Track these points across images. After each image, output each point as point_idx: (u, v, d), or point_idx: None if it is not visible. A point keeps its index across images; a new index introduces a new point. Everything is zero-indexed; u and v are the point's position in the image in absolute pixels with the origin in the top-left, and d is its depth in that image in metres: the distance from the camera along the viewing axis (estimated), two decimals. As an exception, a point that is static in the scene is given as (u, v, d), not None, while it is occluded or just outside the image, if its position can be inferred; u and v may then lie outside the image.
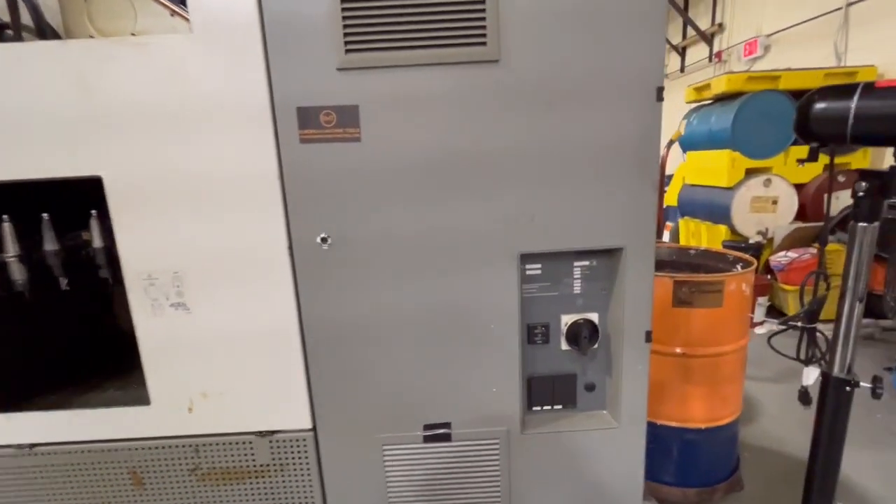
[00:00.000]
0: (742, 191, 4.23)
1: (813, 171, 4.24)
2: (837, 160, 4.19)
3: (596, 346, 1.19)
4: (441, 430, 1.20)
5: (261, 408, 1.18)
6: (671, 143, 3.54)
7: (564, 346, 1.19)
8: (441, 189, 1.06)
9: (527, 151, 1.05)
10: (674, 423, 1.88)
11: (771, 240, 4.23)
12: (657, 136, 1.06)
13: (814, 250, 3.90)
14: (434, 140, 1.04)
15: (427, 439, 1.20)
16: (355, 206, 1.07)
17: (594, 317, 1.19)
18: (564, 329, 1.18)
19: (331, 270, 1.10)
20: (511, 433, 1.21)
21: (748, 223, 4.31)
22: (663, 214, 5.14)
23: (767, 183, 4.20)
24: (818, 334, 1.28)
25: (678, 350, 1.81)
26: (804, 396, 1.45)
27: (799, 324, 1.25)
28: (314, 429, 1.20)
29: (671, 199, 5.50)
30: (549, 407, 1.26)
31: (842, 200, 4.09)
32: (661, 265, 2.21)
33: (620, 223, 1.09)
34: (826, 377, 1.17)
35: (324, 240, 1.08)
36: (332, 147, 1.04)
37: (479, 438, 1.21)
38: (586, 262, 1.17)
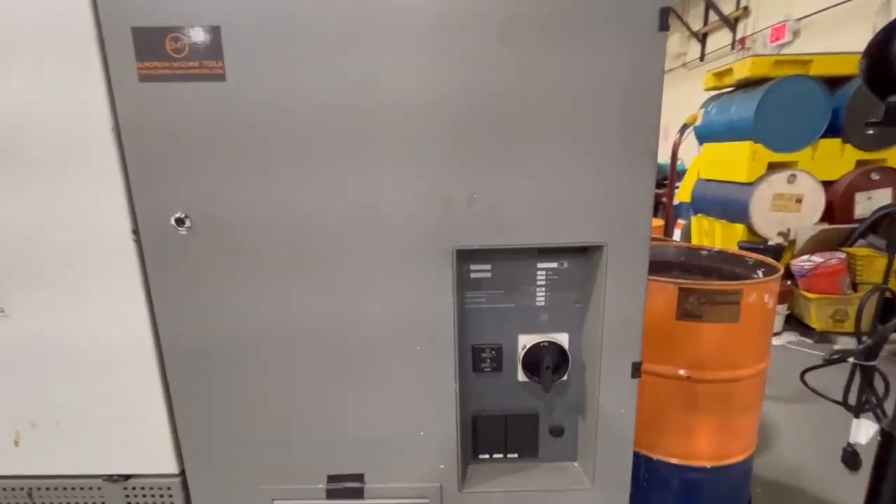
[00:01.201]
0: (763, 187, 3.83)
1: (843, 167, 3.83)
2: (870, 156, 3.78)
3: (565, 377, 0.87)
4: (350, 484, 0.89)
5: (110, 444, 0.88)
6: (685, 127, 3.17)
7: (522, 376, 0.88)
8: (344, 154, 0.75)
9: (468, 103, 0.73)
10: (674, 460, 1.55)
11: (793, 242, 3.84)
12: (657, 85, 0.73)
13: (842, 255, 3.51)
14: (332, 83, 0.72)
15: (331, 494, 0.89)
16: (224, 174, 0.76)
17: (563, 339, 0.87)
18: (522, 353, 0.86)
19: (194, 265, 0.79)
20: (446, 491, 0.90)
21: (768, 223, 3.92)
22: (674, 211, 4.76)
23: (792, 179, 3.80)
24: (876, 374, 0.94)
25: (682, 372, 1.48)
26: (851, 458, 1.11)
27: (851, 359, 0.92)
28: (183, 474, 0.90)
29: (684, 195, 5.10)
30: (500, 456, 0.95)
31: (875, 201, 3.69)
32: (665, 267, 1.87)
33: (602, 209, 0.77)
34: (889, 437, 0.84)
35: (180, 221, 0.77)
36: (185, 88, 0.72)
37: (401, 496, 0.90)
38: (553, 264, 0.85)
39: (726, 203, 4.24)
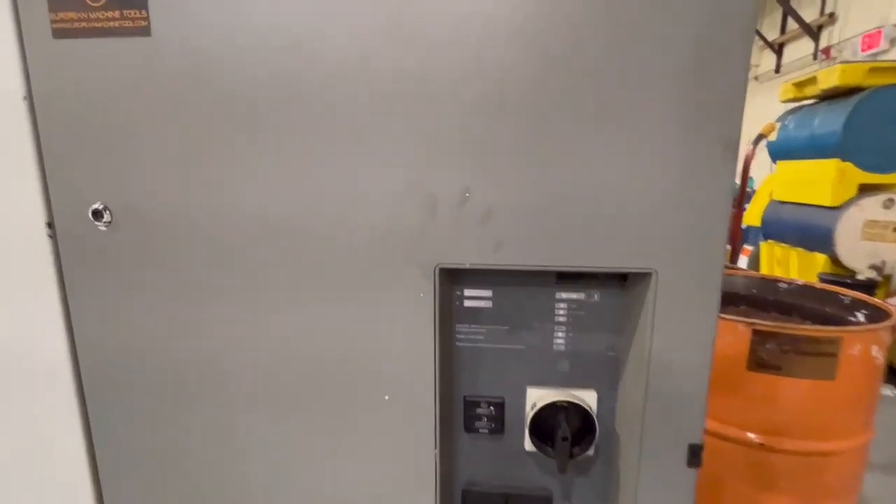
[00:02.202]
0: (852, 212, 3.31)
1: (955, 192, 3.24)
2: None
3: (590, 451, 0.63)
4: (297, 565, 0.69)
5: (19, 490, 0.73)
6: (760, 138, 2.79)
7: (530, 444, 0.64)
8: (297, 132, 0.56)
9: (462, 70, 0.53)
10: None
11: (889, 277, 3.28)
12: (744, 43, 0.49)
13: (953, 296, 2.94)
14: (283, 36, 0.55)
15: (274, 575, 0.70)
16: (147, 158, 0.59)
17: (589, 398, 0.63)
18: (532, 414, 0.63)
19: (112, 271, 0.63)
20: (420, 589, 0.68)
21: (857, 253, 3.37)
22: (741, 234, 4.27)
23: (889, 204, 3.25)
24: None
25: (753, 437, 1.17)
26: None
27: None
28: (105, 527, 0.74)
29: (753, 217, 4.58)
30: (498, 546, 0.71)
31: None
32: (732, 300, 1.55)
33: (653, 221, 0.53)
34: None
35: (98, 214, 0.61)
36: (105, 46, 0.57)
37: (361, 589, 0.69)
38: (578, 295, 0.62)
39: (805, 229, 3.72)
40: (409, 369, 0.60)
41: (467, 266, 0.56)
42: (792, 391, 1.13)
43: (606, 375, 0.63)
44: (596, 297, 0.61)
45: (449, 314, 0.63)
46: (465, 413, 0.66)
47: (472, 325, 0.64)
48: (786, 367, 1.12)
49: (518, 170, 0.54)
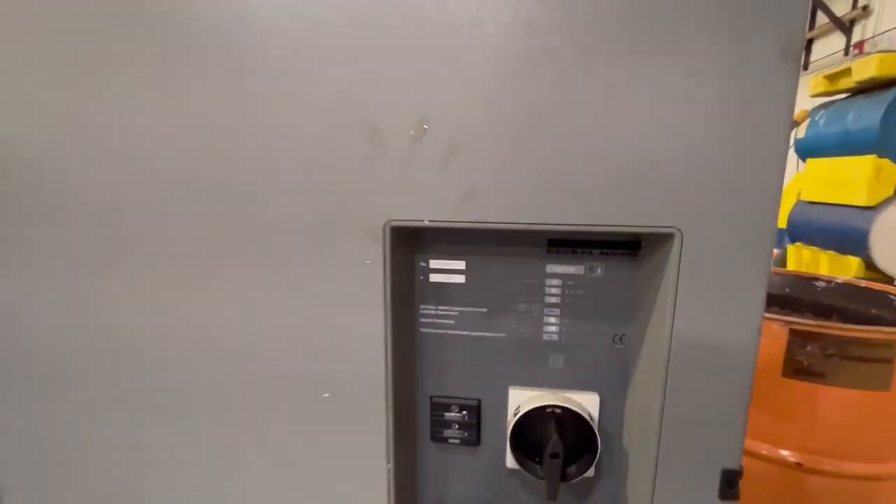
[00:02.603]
0: (889, 212, 3.07)
1: None
2: None
3: (590, 472, 0.49)
4: None
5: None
6: (793, 125, 2.57)
7: (512, 460, 0.50)
8: (190, 48, 0.44)
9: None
10: (767, 584, 1.06)
11: (929, 283, 3.03)
12: None
13: None
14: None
15: None
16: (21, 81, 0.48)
17: (588, 403, 0.49)
18: (514, 421, 0.49)
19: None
20: None
21: (895, 257, 3.14)
22: (767, 237, 4.03)
23: (931, 204, 3.02)
24: None
25: (788, 456, 1.00)
26: None
27: None
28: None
29: (778, 219, 4.34)
30: (472, 586, 0.57)
31: None
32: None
33: (676, 162, 0.39)
34: None
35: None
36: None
37: None
38: (575, 268, 0.48)
39: (837, 231, 3.48)
40: (352, 361, 0.47)
41: (426, 223, 0.42)
42: (836, 403, 0.96)
43: (612, 374, 0.49)
44: (599, 270, 0.47)
45: (408, 291, 0.49)
46: (432, 418, 0.52)
47: (441, 307, 0.50)
48: (830, 374, 0.96)
49: (495, 90, 0.40)
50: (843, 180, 3.39)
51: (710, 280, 0.40)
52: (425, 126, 0.41)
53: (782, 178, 0.38)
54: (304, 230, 0.44)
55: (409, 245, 0.48)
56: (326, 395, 0.48)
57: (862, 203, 3.20)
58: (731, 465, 0.42)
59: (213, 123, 0.44)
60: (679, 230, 0.39)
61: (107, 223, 0.48)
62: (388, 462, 0.48)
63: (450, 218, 0.42)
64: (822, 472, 0.99)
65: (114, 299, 0.49)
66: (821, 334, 0.95)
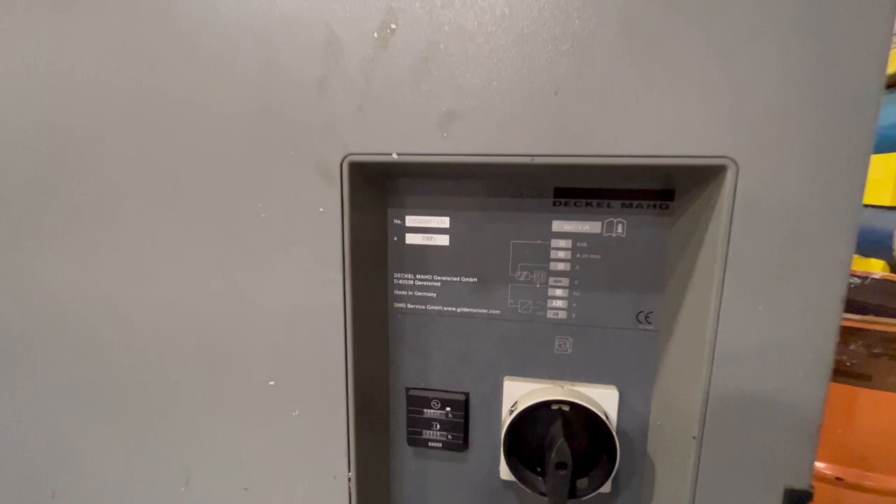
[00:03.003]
0: (916, 212, 2.93)
1: None
2: None
3: (606, 488, 0.38)
4: None
5: None
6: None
7: (507, 471, 0.40)
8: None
9: None
10: None
11: (960, 287, 2.87)
12: None
13: None
14: None
15: None
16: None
17: (605, 399, 0.39)
18: (509, 420, 0.39)
19: None
20: None
21: (922, 260, 2.98)
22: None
23: (961, 204, 2.86)
24: None
25: (825, 469, 0.89)
26: None
27: None
28: None
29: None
30: None
31: None
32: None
33: (730, 64, 0.29)
34: None
35: None
36: None
37: None
38: (591, 225, 0.37)
39: (860, 232, 3.33)
40: (304, 341, 0.37)
41: (394, 157, 0.32)
42: (884, 408, 0.85)
43: (635, 362, 0.38)
44: (620, 228, 0.37)
45: (378, 255, 0.39)
46: (408, 416, 0.42)
47: (420, 276, 0.40)
48: (877, 375, 0.84)
49: (483, -23, 0.30)
50: (868, 179, 3.24)
51: (774, 238, 0.29)
52: (393, 26, 0.31)
53: (878, 100, 0.28)
54: (239, 172, 0.34)
55: (378, 195, 0.38)
56: (272, 383, 0.38)
57: (887, 203, 3.05)
58: (799, 483, 0.32)
59: (121, 41, 0.34)
60: (734, 163, 0.29)
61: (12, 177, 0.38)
62: (349, 470, 0.38)
63: (424, 149, 0.32)
64: (864, 489, 0.87)
65: (21, 264, 0.40)
66: (866, 331, 0.83)
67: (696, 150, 0.29)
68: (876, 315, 1.19)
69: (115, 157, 0.37)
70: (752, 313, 0.30)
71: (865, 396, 0.84)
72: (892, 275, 1.29)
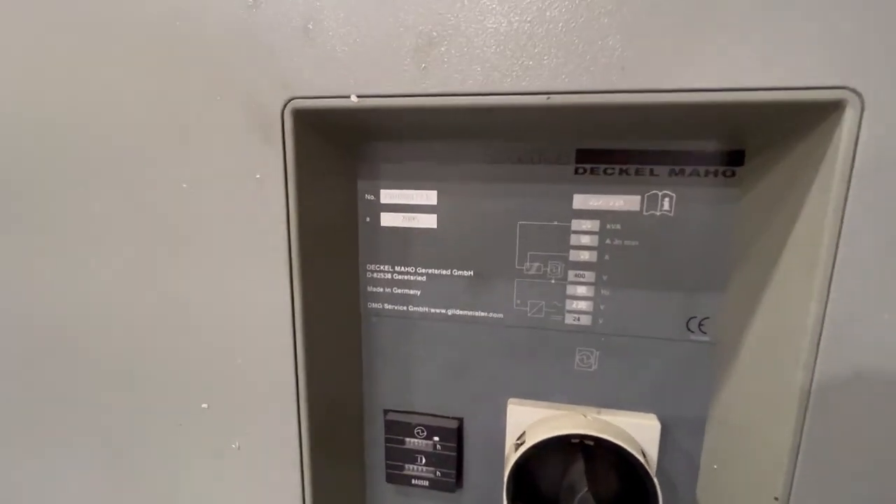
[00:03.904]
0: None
1: None
2: None
3: (640, 545, 0.29)
4: None
5: None
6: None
7: (512, 518, 0.31)
8: None
9: None
10: None
11: None
12: None
13: None
14: None
15: None
16: None
17: (643, 431, 0.29)
18: (516, 457, 0.30)
19: None
20: None
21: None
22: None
23: None
24: None
25: None
26: None
27: None
28: None
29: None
30: None
31: None
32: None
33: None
34: None
35: None
36: None
37: None
38: (626, 200, 0.28)
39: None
40: (243, 352, 0.28)
41: (354, 101, 0.23)
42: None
43: (684, 384, 0.29)
44: (667, 203, 0.27)
45: (344, 241, 0.30)
46: (387, 445, 0.33)
47: (400, 269, 0.31)
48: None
49: None
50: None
51: None
52: None
53: None
54: (152, 127, 0.25)
55: (343, 162, 0.29)
56: (204, 405, 0.29)
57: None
58: (929, 564, 0.22)
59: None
60: (857, 95, 0.19)
61: None
62: (303, 518, 0.29)
63: (396, 90, 0.23)
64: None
65: None
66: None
67: (800, 79, 0.19)
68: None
69: (13, 129, 0.28)
70: (873, 321, 0.21)
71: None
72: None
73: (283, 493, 0.29)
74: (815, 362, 0.21)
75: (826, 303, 0.21)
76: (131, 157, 0.26)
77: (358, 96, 0.23)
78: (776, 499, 0.23)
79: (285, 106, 0.24)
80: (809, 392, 0.22)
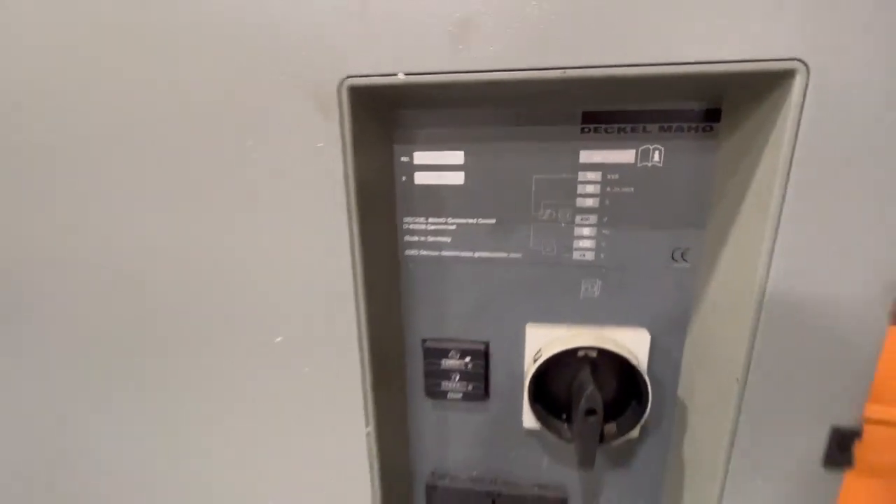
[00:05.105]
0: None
1: None
2: None
3: (635, 432, 0.37)
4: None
5: None
6: None
7: (531, 418, 0.38)
8: None
9: None
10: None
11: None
12: None
13: None
14: None
15: None
16: None
17: (636, 343, 0.36)
18: (534, 369, 0.37)
19: None
20: None
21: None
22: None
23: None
24: None
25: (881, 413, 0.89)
26: None
27: None
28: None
29: None
30: (481, 567, 0.47)
31: None
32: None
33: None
34: None
35: None
36: None
37: None
38: (624, 154, 0.33)
39: None
40: (310, 294, 0.34)
41: (401, 78, 0.28)
42: None
43: (668, 303, 0.36)
44: (657, 156, 0.33)
45: (386, 198, 0.35)
46: (426, 368, 0.40)
47: (432, 220, 0.37)
48: None
49: None
50: None
51: (843, 158, 0.25)
52: None
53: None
54: (225, 104, 0.30)
55: (384, 127, 0.34)
56: (279, 339, 0.35)
57: None
58: (846, 421, 0.30)
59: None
60: (805, 65, 0.25)
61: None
62: (367, 425, 0.36)
63: (438, 66, 0.27)
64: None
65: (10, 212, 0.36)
66: None
67: (760, 52, 0.25)
68: None
69: (91, 96, 0.32)
70: (812, 246, 0.27)
71: None
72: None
73: (350, 407, 0.36)
74: (766, 280, 0.28)
75: (776, 234, 0.27)
76: (212, 131, 0.31)
77: (405, 74, 0.28)
78: (737, 380, 0.30)
79: (342, 83, 0.28)
80: (762, 302, 0.28)
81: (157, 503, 0.43)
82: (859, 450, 0.31)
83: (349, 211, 0.31)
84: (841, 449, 0.30)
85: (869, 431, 0.30)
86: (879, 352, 0.29)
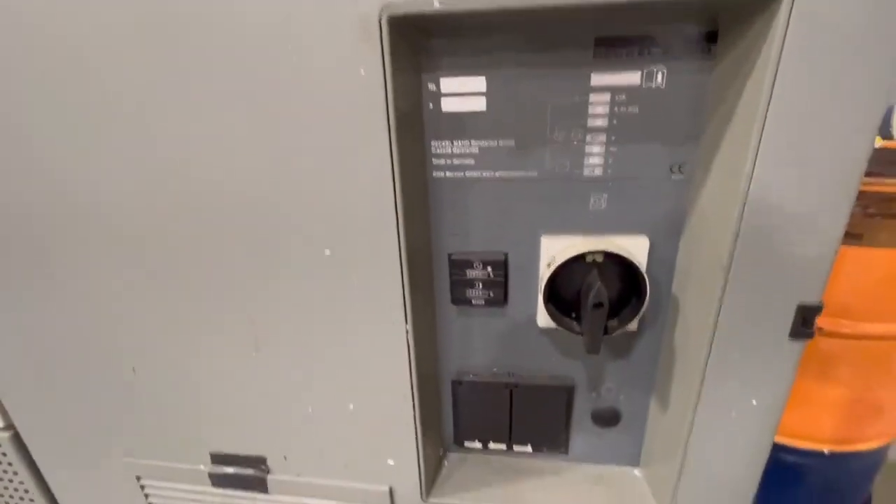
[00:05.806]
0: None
1: None
2: None
3: (634, 325, 0.44)
4: (244, 470, 0.55)
5: None
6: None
7: (545, 317, 0.45)
8: None
9: None
10: (781, 440, 1.11)
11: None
12: None
13: None
14: None
15: (218, 481, 0.56)
16: None
17: (637, 247, 0.42)
18: (548, 274, 0.42)
19: None
20: (399, 497, 0.53)
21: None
22: None
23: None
24: None
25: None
26: None
27: None
28: (12, 428, 0.60)
29: None
30: (502, 447, 0.55)
31: None
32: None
33: None
34: None
35: None
36: None
37: (326, 497, 0.54)
38: (630, 76, 0.37)
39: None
40: (354, 209, 0.39)
41: (436, 6, 0.31)
42: (871, 263, 0.91)
43: (665, 212, 0.41)
44: (659, 77, 0.37)
45: (415, 124, 0.39)
46: (452, 278, 0.46)
47: (457, 143, 0.41)
48: (867, 234, 0.89)
49: None
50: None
51: (822, 83, 0.30)
52: None
53: None
54: (272, 31, 0.33)
55: (414, 56, 0.37)
56: (327, 251, 0.41)
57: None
58: (811, 299, 0.36)
59: None
60: (790, -12, 0.28)
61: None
62: (406, 323, 0.42)
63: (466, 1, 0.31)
64: (839, 335, 0.98)
65: (65, 134, 0.40)
66: (864, 192, 0.87)
67: (754, -25, 0.28)
68: (878, 176, 1.22)
69: (148, 33, 0.35)
70: (788, 156, 0.32)
71: (854, 254, 0.91)
72: (890, 142, 1.30)
73: (390, 307, 0.42)
74: (748, 189, 0.33)
75: (758, 147, 0.32)
76: (260, 55, 0.34)
77: (439, 2, 0.31)
78: (723, 267, 0.36)
79: (381, 12, 0.32)
80: (744, 207, 0.33)
81: (245, 404, 0.50)
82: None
83: (389, 136, 0.35)
84: (805, 324, 0.37)
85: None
86: (837, 242, 0.34)
